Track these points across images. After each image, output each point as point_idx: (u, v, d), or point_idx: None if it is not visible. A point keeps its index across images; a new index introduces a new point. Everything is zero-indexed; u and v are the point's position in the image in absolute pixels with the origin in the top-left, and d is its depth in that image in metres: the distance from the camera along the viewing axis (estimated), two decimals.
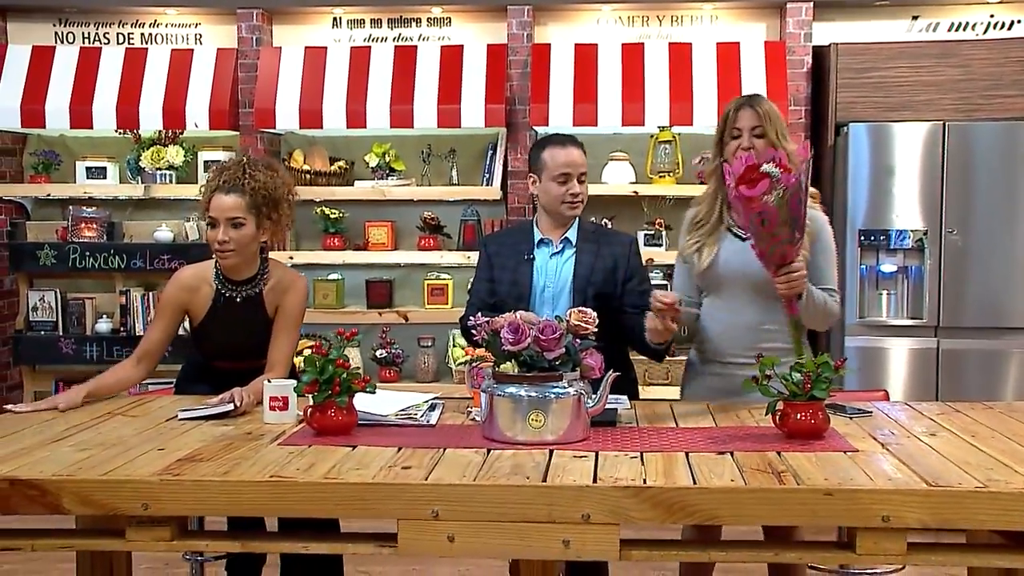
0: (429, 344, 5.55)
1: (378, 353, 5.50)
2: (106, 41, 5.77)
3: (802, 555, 2.34)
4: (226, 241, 3.11)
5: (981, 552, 2.29)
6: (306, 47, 5.51)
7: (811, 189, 2.97)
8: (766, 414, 2.56)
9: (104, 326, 5.54)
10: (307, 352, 2.61)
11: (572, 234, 3.38)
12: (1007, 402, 3.67)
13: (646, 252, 4.73)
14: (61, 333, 5.56)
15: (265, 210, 3.16)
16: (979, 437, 2.58)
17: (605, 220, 5.17)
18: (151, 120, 5.45)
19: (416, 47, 5.49)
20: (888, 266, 4.97)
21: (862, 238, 4.90)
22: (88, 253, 5.44)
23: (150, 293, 5.49)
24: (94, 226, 5.51)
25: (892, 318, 4.99)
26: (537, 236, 3.40)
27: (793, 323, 2.91)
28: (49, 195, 5.65)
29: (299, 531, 2.43)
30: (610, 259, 3.34)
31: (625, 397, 3.02)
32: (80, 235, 5.49)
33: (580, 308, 2.71)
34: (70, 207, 5.56)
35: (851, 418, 2.81)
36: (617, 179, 5.39)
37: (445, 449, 2.45)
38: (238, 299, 3.22)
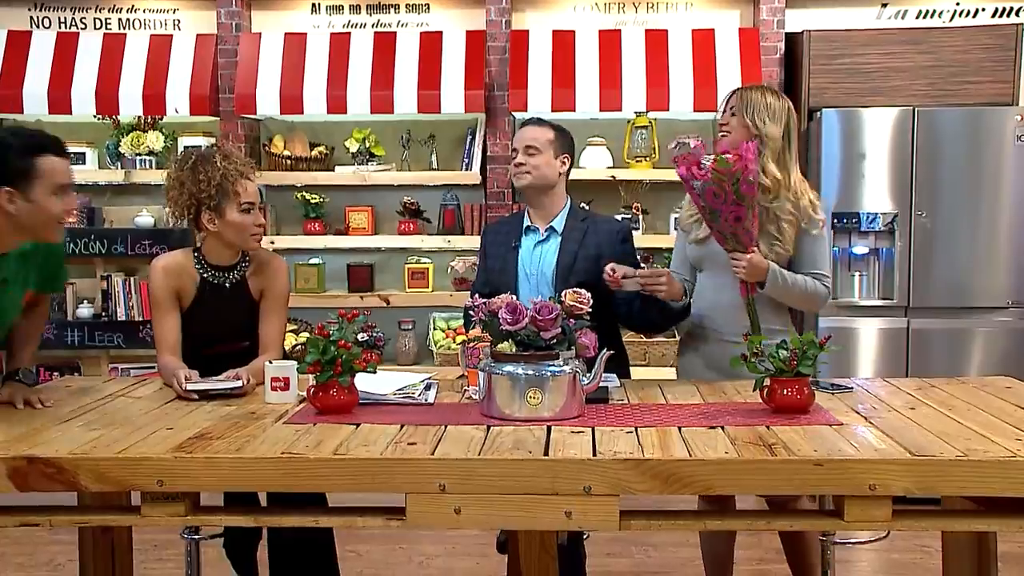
0: (410, 327, 5.62)
1: (359, 336, 5.55)
2: (83, 26, 5.75)
3: (792, 522, 2.44)
4: (262, 224, 3.23)
5: (959, 517, 2.41)
6: (286, 33, 5.52)
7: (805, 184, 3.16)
8: (754, 390, 2.67)
9: (85, 311, 5.53)
10: (304, 335, 2.68)
11: (559, 223, 3.43)
12: (980, 376, 3.80)
13: None
14: None
15: None
16: (955, 410, 2.70)
17: (583, 204, 5.25)
18: (131, 105, 5.45)
19: (395, 33, 5.52)
20: (860, 248, 5.09)
21: (834, 221, 4.99)
22: (68, 238, 5.43)
23: (131, 278, 5.50)
24: (74, 211, 5.49)
25: (864, 299, 5.12)
26: (526, 224, 3.48)
27: (745, 304, 3.08)
28: None
29: (305, 506, 2.51)
30: (594, 248, 3.38)
31: (615, 376, 3.11)
32: None
33: (575, 289, 2.78)
34: None
35: (833, 393, 2.92)
36: (595, 164, 5.48)
37: (446, 426, 2.52)
38: (225, 285, 3.24)
